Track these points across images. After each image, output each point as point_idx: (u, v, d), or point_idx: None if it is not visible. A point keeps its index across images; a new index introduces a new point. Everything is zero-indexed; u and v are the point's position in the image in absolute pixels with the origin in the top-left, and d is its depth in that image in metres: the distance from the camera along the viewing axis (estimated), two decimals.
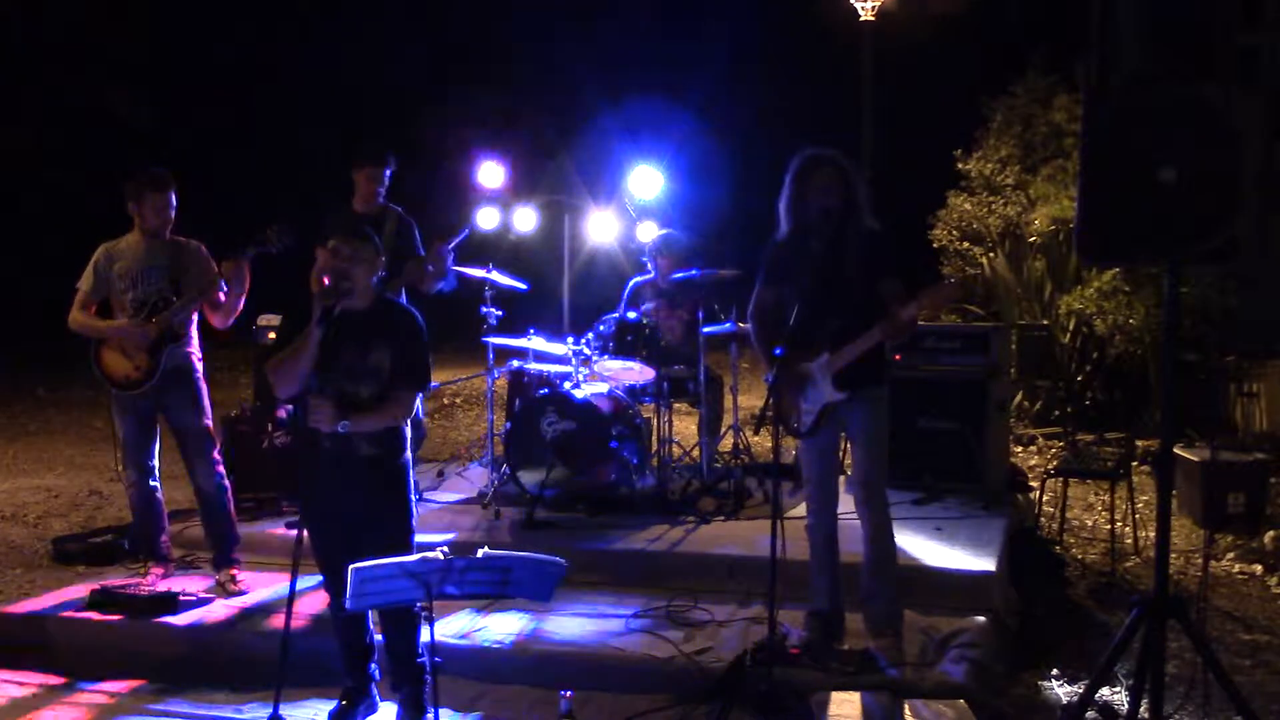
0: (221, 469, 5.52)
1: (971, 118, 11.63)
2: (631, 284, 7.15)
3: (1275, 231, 3.30)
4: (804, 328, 4.29)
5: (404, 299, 6.08)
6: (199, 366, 5.47)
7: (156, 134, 18.75)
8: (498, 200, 7.08)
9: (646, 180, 7.07)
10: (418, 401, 6.19)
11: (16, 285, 16.66)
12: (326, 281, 3.99)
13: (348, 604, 3.34)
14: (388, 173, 6.09)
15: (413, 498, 4.22)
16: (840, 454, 4.79)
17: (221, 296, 5.32)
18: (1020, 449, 8.97)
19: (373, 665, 4.26)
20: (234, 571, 5.44)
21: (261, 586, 5.41)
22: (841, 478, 4.77)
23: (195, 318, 5.47)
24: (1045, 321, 9.91)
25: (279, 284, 5.55)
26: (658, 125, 14.45)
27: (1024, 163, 11.01)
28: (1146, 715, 3.40)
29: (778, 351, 4.18)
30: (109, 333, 5.31)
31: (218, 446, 5.53)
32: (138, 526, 5.68)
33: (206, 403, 5.47)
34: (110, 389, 5.37)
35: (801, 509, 4.77)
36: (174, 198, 5.37)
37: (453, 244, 6.02)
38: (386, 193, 6.14)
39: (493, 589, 3.47)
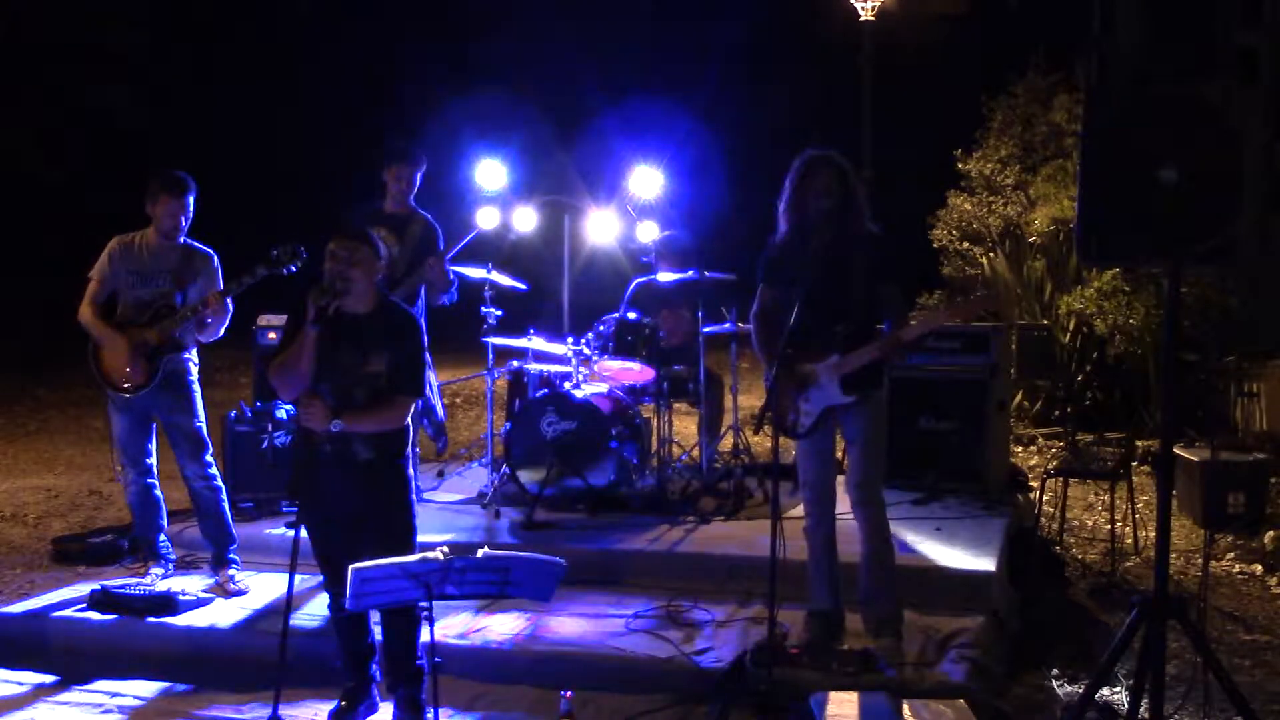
0: (215, 471, 5.52)
1: (971, 118, 11.61)
2: (633, 285, 7.15)
3: (1275, 231, 3.30)
4: (806, 329, 4.30)
5: (422, 302, 6.07)
6: (193, 369, 5.48)
7: (157, 134, 18.73)
8: (498, 200, 7.07)
9: (646, 180, 7.07)
10: (440, 408, 6.20)
11: (16, 285, 16.65)
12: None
13: (347, 604, 3.34)
14: (417, 174, 6.10)
15: (414, 500, 4.22)
16: (837, 455, 4.79)
17: (209, 318, 5.33)
18: (1020, 449, 8.96)
19: (373, 665, 4.26)
20: (232, 571, 5.45)
21: (261, 587, 5.41)
22: (839, 478, 4.77)
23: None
24: (1045, 321, 9.91)
25: (280, 284, 5.55)
26: (658, 125, 14.44)
27: (1024, 163, 10.99)
28: (1146, 715, 3.41)
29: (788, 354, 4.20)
30: (109, 343, 5.31)
31: (210, 449, 5.53)
32: (137, 526, 5.69)
33: (199, 405, 5.47)
34: (107, 390, 5.38)
35: (801, 509, 4.78)
36: (190, 204, 5.37)
37: (449, 256, 6.01)
38: (415, 195, 6.15)
39: (493, 589, 3.47)
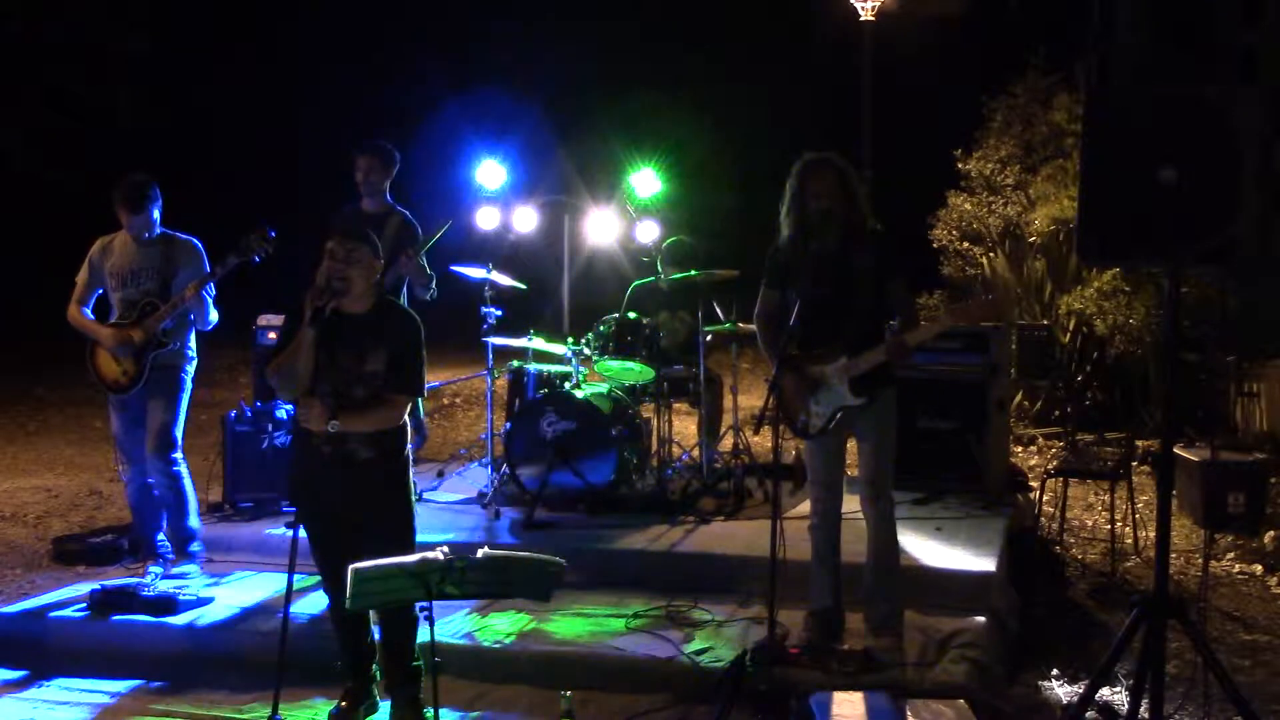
0: (181, 469, 5.51)
1: (971, 118, 11.61)
2: (634, 286, 7.15)
3: (1275, 231, 3.30)
4: (809, 329, 4.30)
5: (405, 297, 6.08)
6: (189, 367, 5.50)
7: (155, 132, 18.73)
8: (498, 200, 7.07)
9: (646, 180, 7.07)
10: (420, 404, 6.20)
11: (16, 285, 16.65)
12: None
13: (347, 604, 3.34)
14: (385, 168, 6.10)
15: (413, 499, 4.21)
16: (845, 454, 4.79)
17: (191, 311, 5.40)
18: (1020, 449, 8.96)
19: (373, 665, 4.26)
20: (187, 568, 5.50)
21: (261, 587, 5.41)
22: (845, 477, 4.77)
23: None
24: (1045, 321, 9.91)
25: (280, 284, 5.56)
26: (658, 125, 14.44)
27: (1024, 163, 10.99)
28: (1146, 715, 3.40)
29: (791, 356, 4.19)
30: (97, 338, 5.38)
31: (178, 449, 5.50)
32: (136, 524, 5.70)
33: (182, 409, 5.49)
34: (103, 389, 5.43)
35: (802, 509, 4.77)
36: (155, 212, 5.41)
37: (423, 249, 6.00)
38: (390, 193, 6.15)
39: (493, 589, 3.47)
